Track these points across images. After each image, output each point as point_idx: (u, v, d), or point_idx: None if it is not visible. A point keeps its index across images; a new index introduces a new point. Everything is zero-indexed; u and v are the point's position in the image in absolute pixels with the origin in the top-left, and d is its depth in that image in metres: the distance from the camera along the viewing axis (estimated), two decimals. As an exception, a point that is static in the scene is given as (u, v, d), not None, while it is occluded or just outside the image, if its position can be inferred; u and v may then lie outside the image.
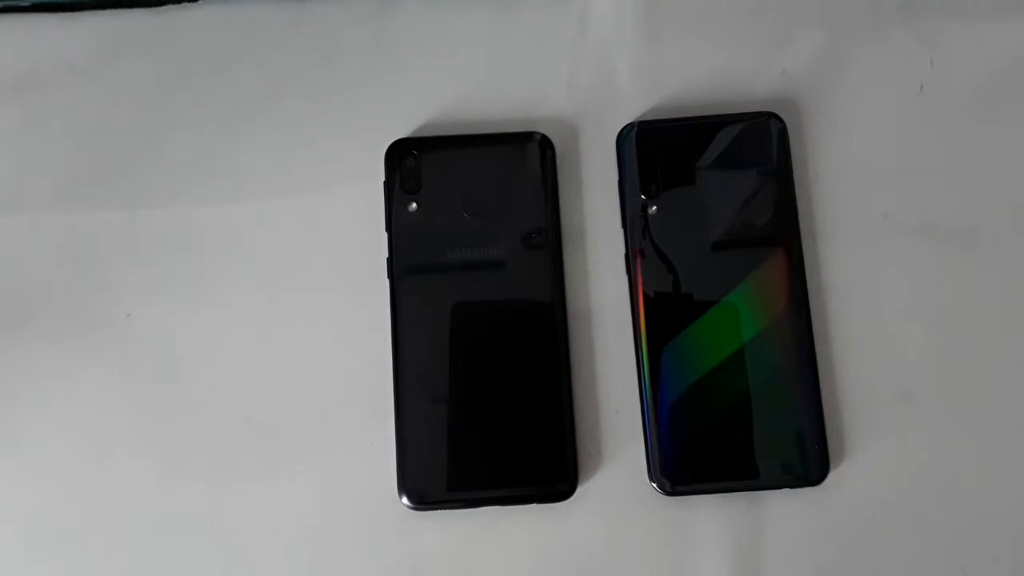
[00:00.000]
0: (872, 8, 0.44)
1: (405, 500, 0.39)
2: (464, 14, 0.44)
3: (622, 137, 0.42)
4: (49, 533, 0.40)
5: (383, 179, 0.42)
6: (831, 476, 0.39)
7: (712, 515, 0.40)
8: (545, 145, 0.42)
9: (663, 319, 0.40)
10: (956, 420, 0.40)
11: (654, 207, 0.41)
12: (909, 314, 0.41)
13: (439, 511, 0.40)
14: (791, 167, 0.42)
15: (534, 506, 0.39)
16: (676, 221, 0.41)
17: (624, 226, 0.41)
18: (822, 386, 0.40)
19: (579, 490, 0.40)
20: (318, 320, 0.42)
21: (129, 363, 0.41)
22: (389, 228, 0.41)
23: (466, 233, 0.41)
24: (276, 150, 0.43)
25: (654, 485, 0.40)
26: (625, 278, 0.41)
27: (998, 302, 0.41)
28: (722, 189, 0.41)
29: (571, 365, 0.40)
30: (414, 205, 0.41)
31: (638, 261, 0.41)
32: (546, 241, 0.41)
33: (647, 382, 0.40)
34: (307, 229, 0.42)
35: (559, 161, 0.42)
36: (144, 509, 0.40)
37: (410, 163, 0.42)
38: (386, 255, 0.41)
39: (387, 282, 0.41)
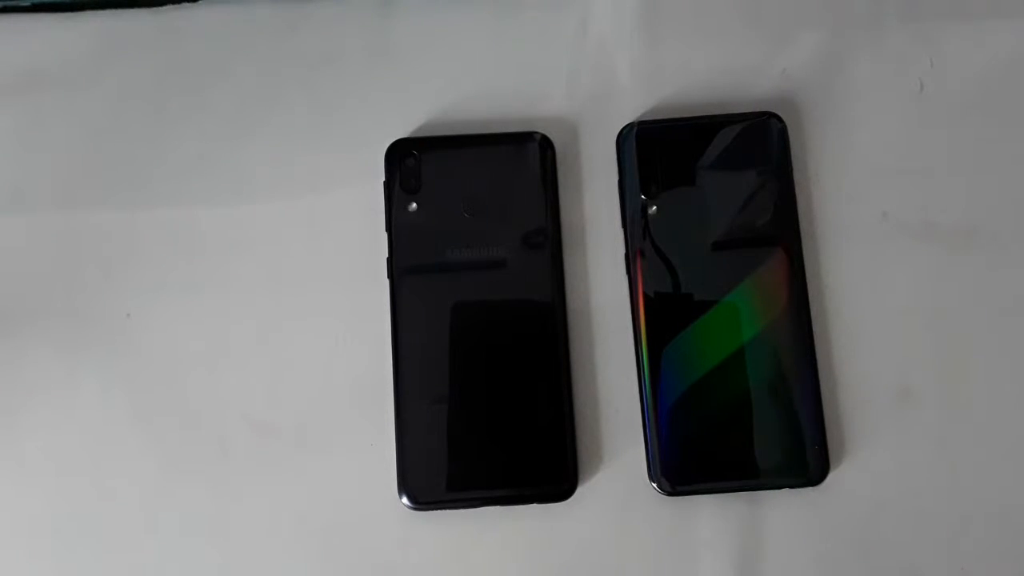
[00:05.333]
0: (872, 8, 0.44)
1: (405, 500, 0.39)
2: (464, 15, 0.44)
3: (622, 137, 0.42)
4: (49, 533, 0.40)
5: (383, 179, 0.42)
6: (831, 476, 0.39)
7: (712, 515, 0.40)
8: (545, 145, 0.42)
9: (663, 319, 0.40)
10: (956, 420, 0.40)
11: (654, 207, 0.41)
12: (909, 314, 0.41)
13: (439, 511, 0.40)
14: (791, 167, 0.42)
15: (534, 506, 0.39)
16: (676, 221, 0.41)
17: (624, 226, 0.41)
18: (822, 386, 0.40)
19: (579, 490, 0.40)
20: (318, 320, 0.42)
21: (129, 363, 0.41)
22: (389, 228, 0.41)
23: (466, 233, 0.41)
24: (276, 150, 0.43)
25: (654, 485, 0.40)
26: (625, 278, 0.41)
27: (998, 302, 0.41)
28: (722, 189, 0.41)
29: (571, 365, 0.40)
30: (414, 205, 0.42)
31: (638, 261, 0.41)
32: (546, 241, 0.41)
33: (647, 382, 0.40)
34: (307, 229, 0.42)
35: (559, 161, 0.42)
36: (144, 509, 0.40)
37: (410, 163, 0.42)
38: (386, 255, 0.41)
39: (387, 282, 0.41)
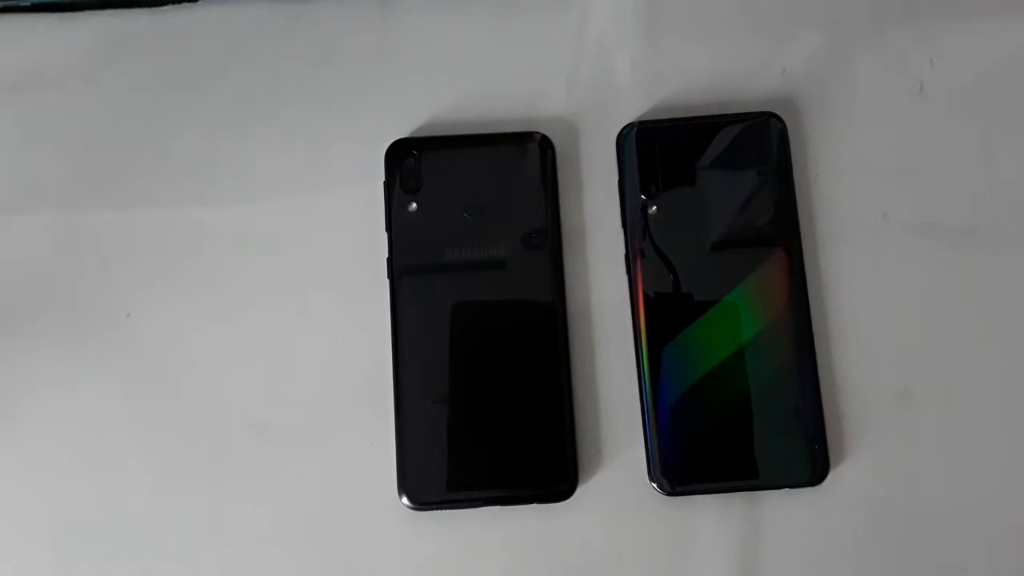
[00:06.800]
0: (872, 8, 0.44)
1: (405, 500, 0.39)
2: (464, 15, 0.44)
3: (622, 137, 0.42)
4: (49, 533, 0.40)
5: (383, 179, 0.42)
6: (831, 476, 0.39)
7: (712, 515, 0.40)
8: (545, 145, 0.42)
9: (663, 319, 0.40)
10: (956, 420, 0.40)
11: (654, 207, 0.41)
12: (909, 314, 0.41)
13: (439, 511, 0.40)
14: (791, 167, 0.42)
15: (534, 506, 0.39)
16: (676, 221, 0.41)
17: (624, 226, 0.41)
18: (822, 386, 0.40)
19: (579, 490, 0.40)
20: (318, 320, 0.42)
21: (129, 363, 0.41)
22: (389, 228, 0.41)
23: (466, 233, 0.41)
24: (276, 150, 0.43)
25: (654, 485, 0.40)
26: (625, 278, 0.41)
27: (998, 302, 0.41)
28: (722, 189, 0.41)
29: (571, 365, 0.40)
30: (414, 205, 0.42)
31: (638, 261, 0.41)
32: (546, 241, 0.41)
33: (647, 382, 0.40)
34: (307, 229, 0.42)
35: (559, 161, 0.42)
36: (144, 509, 0.40)
37: (410, 163, 0.42)
38: (386, 255, 0.41)
39: (387, 282, 0.41)
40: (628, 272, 0.41)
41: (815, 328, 0.40)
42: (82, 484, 0.41)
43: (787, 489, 0.39)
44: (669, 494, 0.39)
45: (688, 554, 0.40)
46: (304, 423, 0.41)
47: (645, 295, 0.41)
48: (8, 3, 0.43)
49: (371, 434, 0.40)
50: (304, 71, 0.44)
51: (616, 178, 0.42)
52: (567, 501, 0.39)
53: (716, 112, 0.42)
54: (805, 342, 0.40)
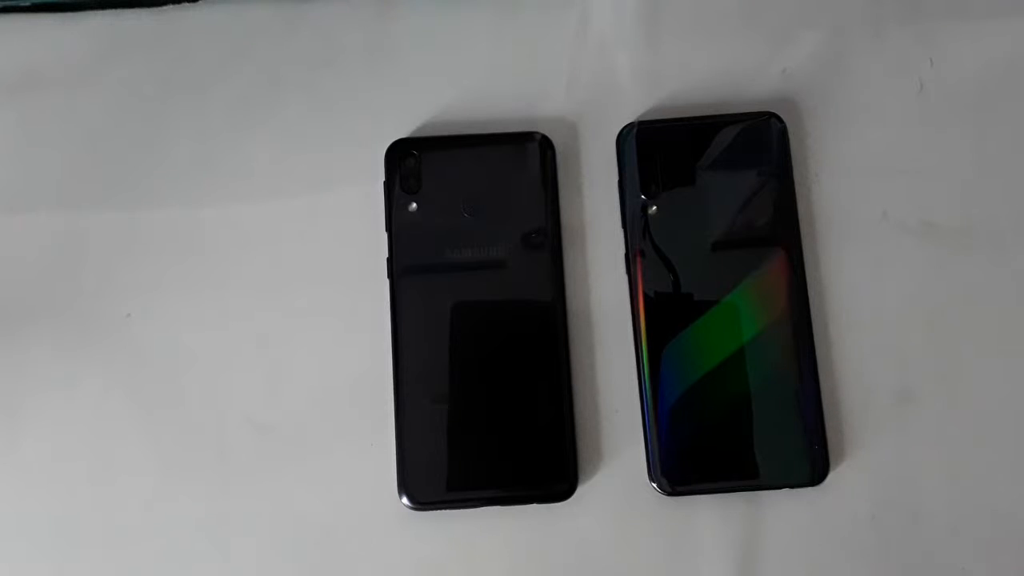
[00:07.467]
0: (872, 8, 0.44)
1: (405, 500, 0.39)
2: (464, 14, 0.44)
3: (622, 137, 0.42)
4: (49, 533, 0.40)
5: (383, 179, 0.42)
6: (831, 476, 0.39)
7: (712, 515, 0.40)
8: (545, 145, 0.42)
9: (663, 319, 0.40)
10: (956, 420, 0.40)
11: (654, 207, 0.41)
12: (909, 314, 0.41)
13: (439, 511, 0.40)
14: (791, 167, 0.42)
15: (534, 506, 0.39)
16: (676, 221, 0.41)
17: (624, 226, 0.41)
18: (822, 386, 0.40)
19: (579, 490, 0.40)
20: (318, 320, 0.42)
21: (129, 363, 0.41)
22: (389, 228, 0.41)
23: (466, 233, 0.41)
24: (276, 150, 0.43)
25: (654, 485, 0.40)
26: (625, 278, 0.41)
27: (997, 302, 0.41)
28: (722, 189, 0.41)
29: (571, 365, 0.40)
30: (414, 205, 0.42)
31: (638, 261, 0.41)
32: (546, 241, 0.41)
33: (647, 382, 0.40)
34: (307, 229, 0.42)
35: (559, 161, 0.42)
36: (144, 509, 0.40)
37: (410, 163, 0.42)
38: (386, 255, 0.41)
39: (387, 282, 0.41)
40: (628, 272, 0.41)
41: (815, 328, 0.40)
42: (82, 484, 0.41)
43: (787, 489, 0.39)
44: (669, 494, 0.39)
45: (688, 554, 0.40)
46: (304, 423, 0.41)
47: (645, 295, 0.41)
48: (8, 3, 0.43)
49: (371, 434, 0.40)
50: (304, 71, 0.44)
51: (616, 178, 0.42)
52: (567, 501, 0.39)
53: (716, 112, 0.42)
54: (805, 342, 0.40)
